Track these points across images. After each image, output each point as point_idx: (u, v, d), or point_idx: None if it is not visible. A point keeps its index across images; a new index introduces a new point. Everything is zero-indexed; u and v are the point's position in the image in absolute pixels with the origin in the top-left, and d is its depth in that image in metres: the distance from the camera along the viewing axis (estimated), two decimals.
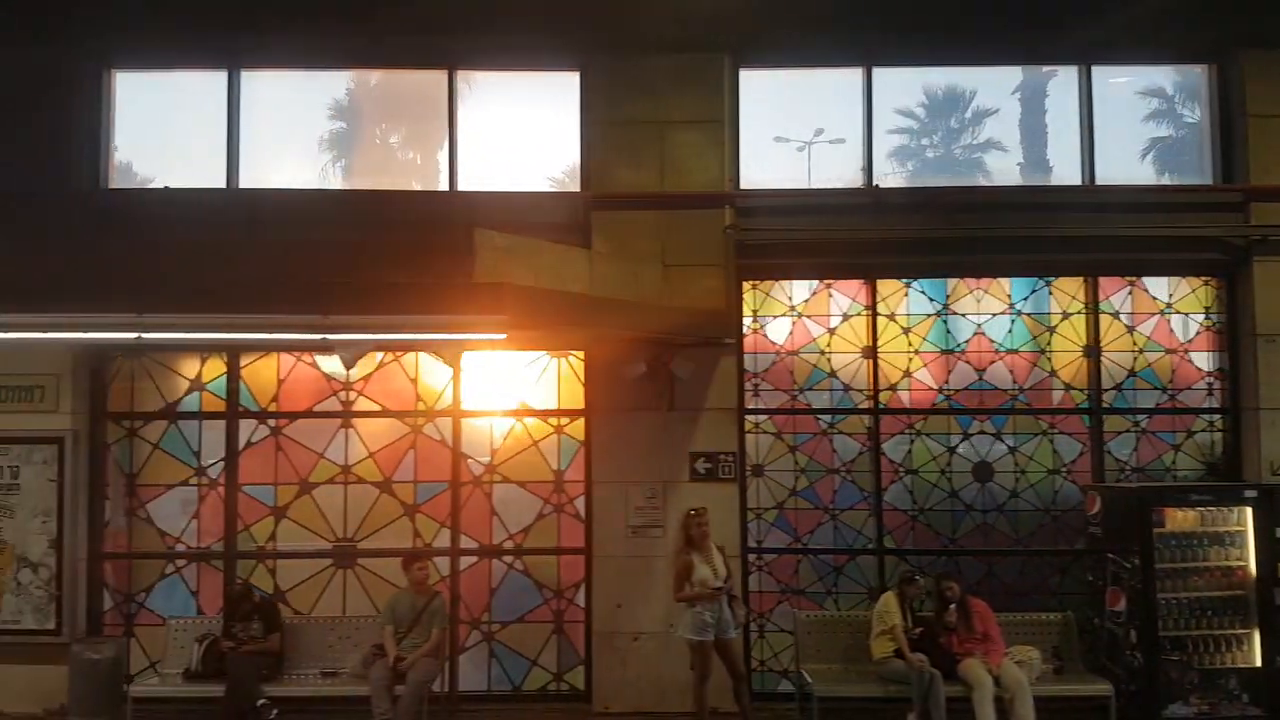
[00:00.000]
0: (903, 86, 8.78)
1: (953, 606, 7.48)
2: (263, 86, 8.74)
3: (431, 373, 8.55)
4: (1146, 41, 8.51)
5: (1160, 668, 7.56)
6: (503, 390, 8.56)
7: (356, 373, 8.13)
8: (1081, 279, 8.65)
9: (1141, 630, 7.62)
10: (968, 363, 8.62)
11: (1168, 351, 8.66)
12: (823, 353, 8.62)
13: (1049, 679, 7.62)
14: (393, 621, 7.70)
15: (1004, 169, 8.81)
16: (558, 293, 6.88)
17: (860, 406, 8.55)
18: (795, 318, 8.66)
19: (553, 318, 6.83)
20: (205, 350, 8.49)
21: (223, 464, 8.45)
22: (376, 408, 8.52)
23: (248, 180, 8.62)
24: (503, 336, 6.83)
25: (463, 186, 8.59)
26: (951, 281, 8.64)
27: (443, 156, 8.61)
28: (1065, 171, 8.70)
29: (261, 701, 7.31)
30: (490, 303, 6.28)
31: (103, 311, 6.59)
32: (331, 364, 8.48)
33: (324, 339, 6.64)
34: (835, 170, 8.76)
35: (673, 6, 8.05)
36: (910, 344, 8.62)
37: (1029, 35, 8.49)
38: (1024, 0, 8.23)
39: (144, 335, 6.66)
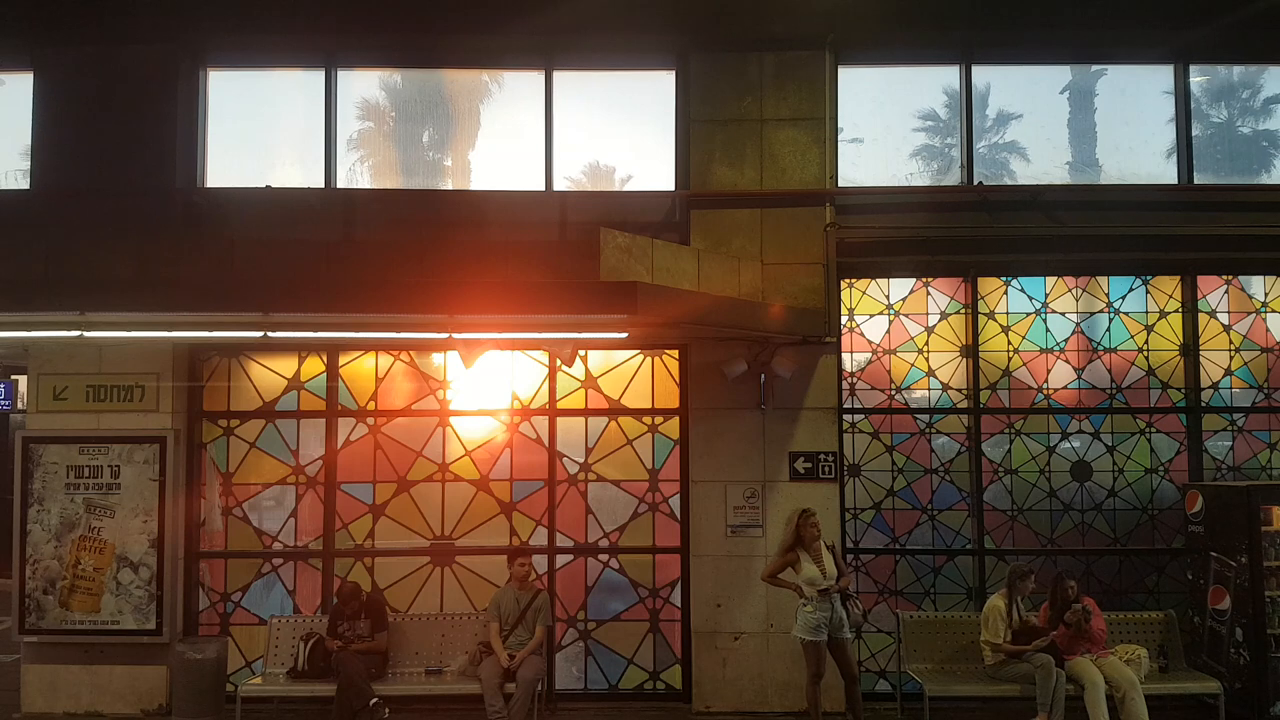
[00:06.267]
0: (1002, 84, 8.74)
1: (1076, 605, 7.45)
2: (357, 86, 8.74)
3: (528, 371, 8.54)
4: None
5: (1268, 665, 7.57)
6: (595, 388, 8.53)
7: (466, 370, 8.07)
8: (1178, 278, 8.65)
9: (1248, 628, 7.62)
10: (1066, 361, 8.61)
11: (1264, 350, 8.66)
12: (920, 351, 8.61)
13: (1155, 677, 7.63)
14: (498, 618, 7.70)
15: (1100, 167, 8.78)
16: (684, 292, 6.86)
17: (959, 406, 8.54)
18: (892, 316, 8.64)
19: (677, 316, 6.80)
20: (309, 349, 8.49)
21: (321, 462, 8.44)
22: (474, 406, 8.51)
23: (343, 180, 8.62)
24: (624, 335, 6.82)
25: (558, 187, 8.57)
26: (1050, 280, 8.63)
27: (537, 156, 8.56)
28: (1160, 170, 8.69)
29: (374, 700, 7.31)
30: (621, 301, 6.27)
31: (227, 311, 6.61)
32: (425, 363, 8.53)
33: (449, 337, 6.62)
34: (930, 168, 8.77)
35: (779, 2, 8.06)
36: (1010, 343, 8.60)
37: (1116, 34, 8.51)
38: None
39: (270, 334, 6.63)
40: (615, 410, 8.52)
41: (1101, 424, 8.56)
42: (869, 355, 8.63)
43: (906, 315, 8.65)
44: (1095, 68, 8.81)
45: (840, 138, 8.53)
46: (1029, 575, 7.62)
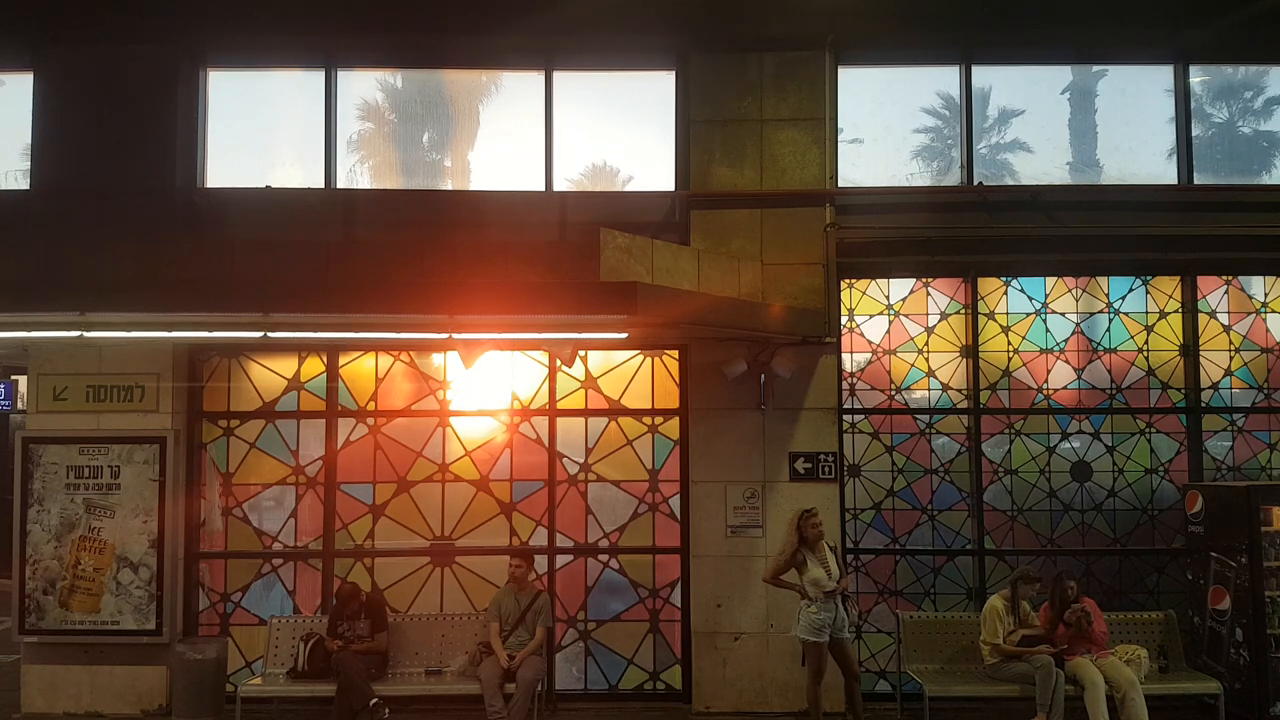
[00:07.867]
0: (1002, 84, 8.74)
1: (1075, 605, 7.45)
2: (357, 86, 8.75)
3: (527, 371, 8.54)
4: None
5: (1268, 665, 7.56)
6: (595, 388, 8.53)
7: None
8: (1178, 278, 8.65)
9: (1248, 628, 7.62)
10: (1066, 362, 8.61)
11: (1264, 350, 8.66)
12: (920, 352, 8.61)
13: (1155, 677, 7.63)
14: (499, 619, 7.70)
15: (1100, 167, 8.78)
16: (683, 292, 6.86)
17: (959, 406, 8.54)
18: (892, 316, 8.64)
19: (677, 316, 6.80)
20: (309, 349, 8.49)
21: (320, 463, 8.44)
22: (474, 407, 8.51)
23: (343, 180, 8.62)
24: (624, 336, 6.82)
25: (558, 187, 8.57)
26: (1050, 280, 8.63)
27: (537, 157, 8.55)
28: (1160, 170, 8.69)
29: (374, 700, 7.31)
30: (621, 302, 6.27)
31: (227, 311, 6.61)
32: (426, 363, 8.54)
33: (449, 337, 6.62)
34: (930, 168, 8.78)
35: (779, 2, 8.07)
36: (1010, 343, 8.61)
37: (1116, 34, 8.52)
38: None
39: (270, 334, 6.63)
40: (615, 410, 8.52)
41: (1101, 424, 8.56)
42: (869, 355, 8.63)
43: (906, 315, 8.65)
44: (1095, 68, 8.81)
45: (840, 138, 8.52)
46: (1035, 582, 7.60)
